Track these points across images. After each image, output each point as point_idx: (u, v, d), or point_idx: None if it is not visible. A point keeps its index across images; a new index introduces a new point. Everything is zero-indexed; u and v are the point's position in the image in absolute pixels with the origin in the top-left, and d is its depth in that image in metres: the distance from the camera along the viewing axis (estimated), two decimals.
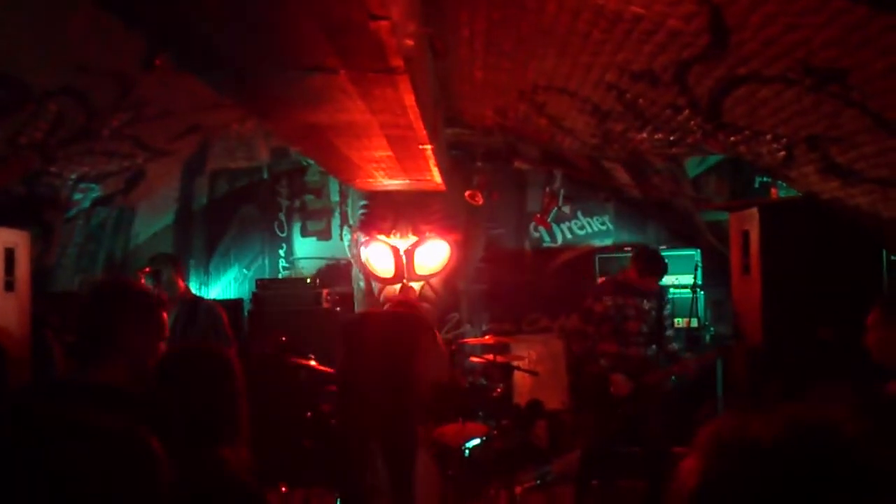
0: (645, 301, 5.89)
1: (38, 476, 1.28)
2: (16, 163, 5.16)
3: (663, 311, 5.98)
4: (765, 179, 6.21)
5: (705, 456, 0.99)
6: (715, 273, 7.39)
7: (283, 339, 7.11)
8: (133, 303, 2.58)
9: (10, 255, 5.20)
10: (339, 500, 5.68)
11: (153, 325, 2.58)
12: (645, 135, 5.63)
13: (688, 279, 7.18)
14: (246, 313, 7.98)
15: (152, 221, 8.50)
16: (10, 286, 5.18)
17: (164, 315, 2.71)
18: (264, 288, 7.88)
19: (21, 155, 5.09)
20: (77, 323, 2.61)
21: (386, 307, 5.83)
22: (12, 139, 4.81)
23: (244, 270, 9.01)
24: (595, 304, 5.93)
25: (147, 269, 5.50)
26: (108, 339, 2.48)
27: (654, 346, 5.95)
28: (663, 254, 7.45)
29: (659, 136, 5.55)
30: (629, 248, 7.77)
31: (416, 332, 5.45)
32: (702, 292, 7.28)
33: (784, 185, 5.69)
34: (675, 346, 6.05)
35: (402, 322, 5.57)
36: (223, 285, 9.01)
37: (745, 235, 5.56)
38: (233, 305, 7.67)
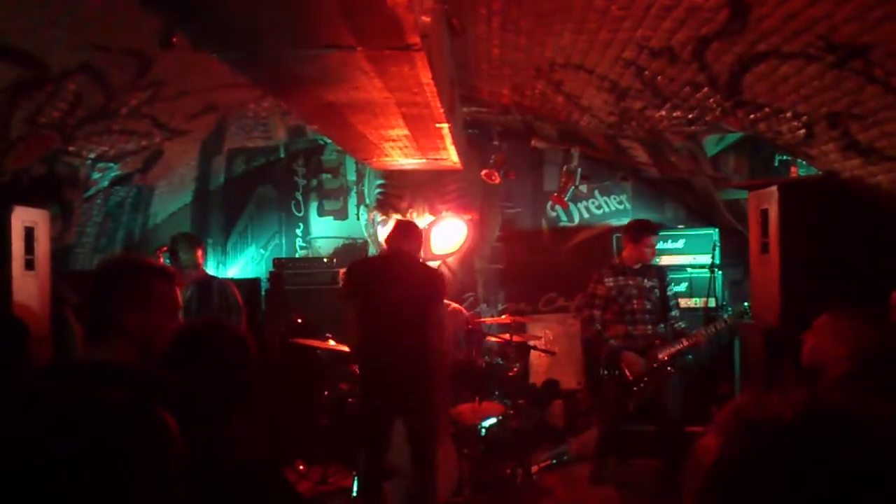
0: (645, 280, 6.02)
1: (47, 449, 1.29)
2: (35, 142, 5.18)
3: (666, 291, 6.06)
4: (784, 158, 6.14)
5: (724, 433, 0.99)
6: (733, 252, 7.36)
7: (300, 320, 7.14)
8: (131, 280, 2.51)
9: (29, 234, 5.23)
10: (356, 477, 5.71)
11: (153, 301, 2.50)
12: (663, 112, 5.59)
13: (706, 259, 7.15)
14: (263, 292, 8.01)
15: (170, 201, 8.53)
16: (30, 265, 5.22)
17: (175, 291, 2.63)
18: (281, 267, 7.90)
19: (40, 134, 5.11)
20: (88, 301, 2.58)
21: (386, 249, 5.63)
22: (32, 119, 4.83)
23: (261, 250, 9.04)
24: (598, 287, 6.06)
25: (165, 248, 5.54)
26: (108, 317, 2.45)
27: (661, 325, 6.00)
28: (681, 233, 7.49)
29: (677, 113, 5.51)
30: None
31: (430, 285, 5.34)
32: (720, 272, 7.24)
33: (804, 163, 5.64)
34: (681, 324, 6.09)
35: (413, 273, 5.34)
36: (241, 265, 9.05)
37: (764, 214, 5.51)
38: (250, 285, 7.71)
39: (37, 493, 1.33)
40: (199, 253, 5.66)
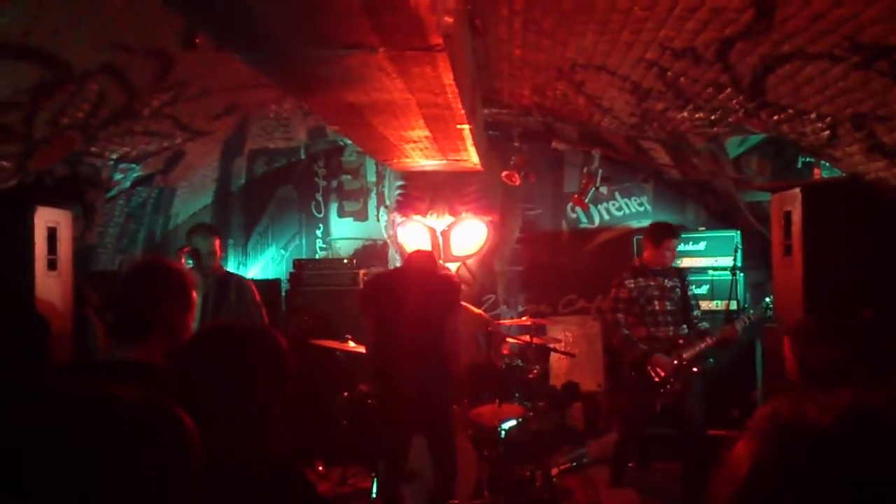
0: (666, 280, 5.98)
1: (66, 449, 1.29)
2: (58, 143, 5.21)
3: (687, 291, 6.03)
4: (808, 159, 6.09)
5: (759, 441, 0.97)
6: (755, 255, 7.30)
7: (313, 322, 7.15)
8: (169, 280, 2.61)
9: (52, 234, 5.26)
10: (375, 478, 5.71)
11: (187, 301, 2.61)
12: (685, 114, 5.56)
13: (727, 261, 7.10)
14: (283, 293, 8.03)
15: (191, 201, 8.57)
16: (52, 265, 5.25)
17: (193, 293, 2.73)
18: (301, 268, 7.92)
19: (63, 135, 5.14)
20: (115, 301, 2.64)
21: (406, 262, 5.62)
22: (55, 120, 4.86)
23: (281, 250, 9.07)
24: (620, 291, 6.03)
25: (186, 249, 5.55)
26: (146, 316, 2.51)
27: (684, 327, 5.96)
28: (703, 235, 7.44)
29: (700, 115, 5.48)
30: None
31: (446, 296, 5.29)
32: (741, 274, 7.20)
33: (828, 165, 5.59)
34: (705, 324, 6.05)
35: (429, 285, 5.32)
36: (261, 265, 9.08)
37: (787, 216, 5.46)
38: (270, 285, 7.73)
39: (54, 490, 1.33)
40: (217, 242, 5.63)
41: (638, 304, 5.95)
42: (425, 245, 5.60)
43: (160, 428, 1.45)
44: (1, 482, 1.19)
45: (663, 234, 6.04)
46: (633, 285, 5.98)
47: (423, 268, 5.36)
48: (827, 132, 4.77)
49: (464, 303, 5.91)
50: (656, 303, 5.93)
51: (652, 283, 5.97)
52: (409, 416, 5.13)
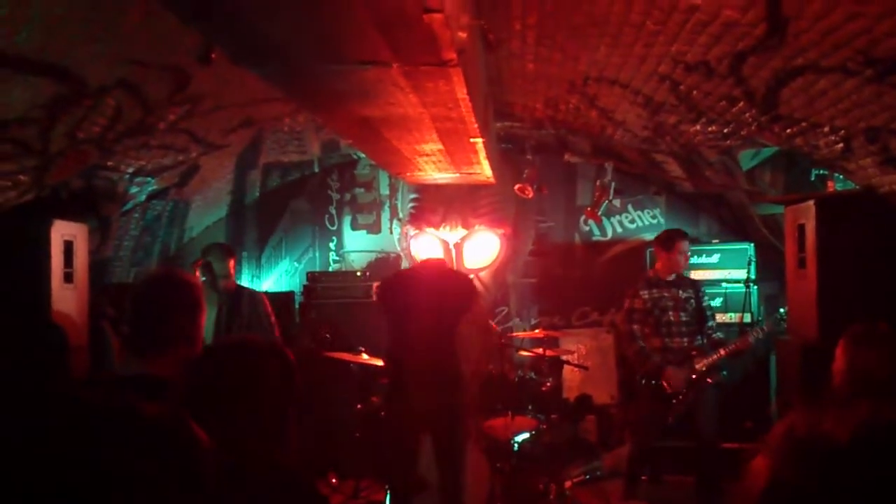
0: (680, 291, 5.94)
1: (86, 461, 1.30)
2: (74, 157, 5.26)
3: (702, 302, 5.99)
4: (821, 172, 6.08)
5: (777, 455, 0.97)
6: (769, 267, 7.29)
7: (327, 335, 7.16)
8: (184, 293, 2.63)
9: (68, 247, 5.30)
10: (388, 491, 5.71)
11: (201, 315, 2.63)
12: (698, 127, 5.56)
13: (741, 273, 7.09)
14: (297, 306, 8.06)
15: (206, 214, 8.61)
16: (68, 278, 5.29)
17: (205, 306, 2.76)
18: (315, 280, 7.94)
19: (79, 149, 5.18)
20: (130, 314, 2.65)
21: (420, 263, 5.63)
22: (71, 133, 4.90)
23: (295, 263, 9.10)
24: (634, 302, 6.00)
25: (200, 262, 5.58)
26: (162, 330, 2.53)
27: (699, 337, 5.93)
28: (716, 247, 7.43)
29: (713, 128, 5.48)
30: None
31: (462, 296, 5.33)
32: (755, 287, 7.18)
33: (841, 177, 5.58)
34: (719, 334, 6.02)
35: (445, 283, 5.35)
36: (275, 278, 9.11)
37: (801, 229, 5.45)
38: (284, 298, 7.75)
39: (69, 495, 1.35)
40: (232, 263, 5.68)
41: (652, 315, 5.92)
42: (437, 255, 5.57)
43: (176, 444, 1.47)
44: (27, 487, 1.21)
45: (673, 239, 6.00)
46: (647, 296, 5.95)
47: (440, 267, 5.38)
48: (840, 145, 4.76)
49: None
50: (671, 314, 5.90)
51: (666, 294, 5.94)
52: (419, 413, 5.13)
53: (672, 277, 5.99)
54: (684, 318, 5.92)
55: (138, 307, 2.64)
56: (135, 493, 1.35)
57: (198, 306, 2.65)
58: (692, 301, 5.97)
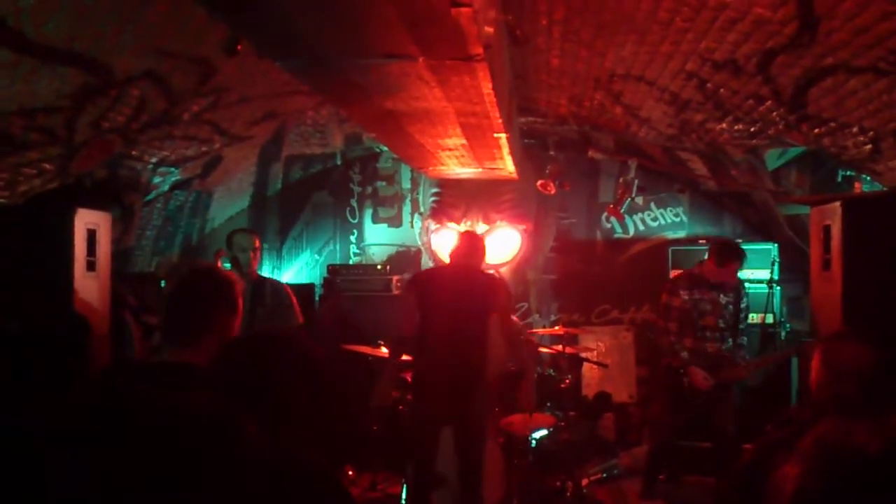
0: (722, 295, 5.79)
1: (137, 453, 1.31)
2: (99, 146, 5.29)
3: (740, 306, 5.87)
4: (848, 173, 6.01)
5: (806, 463, 0.96)
6: (792, 268, 7.22)
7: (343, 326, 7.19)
8: (224, 287, 2.72)
9: (91, 236, 5.32)
10: (405, 484, 5.71)
11: (237, 309, 2.71)
12: (724, 125, 5.51)
13: (764, 274, 7.03)
14: (317, 298, 8.08)
15: (228, 205, 8.65)
16: (91, 266, 5.31)
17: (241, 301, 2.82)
18: (335, 273, 7.96)
19: (104, 139, 5.21)
20: (170, 305, 2.72)
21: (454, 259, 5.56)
22: (96, 123, 4.93)
23: (316, 256, 9.12)
24: (672, 300, 5.86)
25: (223, 252, 5.59)
26: (201, 321, 2.59)
27: (730, 341, 5.83)
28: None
29: (739, 126, 5.43)
30: (704, 241, 7.64)
31: (491, 299, 5.27)
32: (778, 288, 7.12)
33: (869, 179, 5.52)
34: (744, 339, 5.94)
35: (474, 283, 5.32)
36: (295, 269, 9.14)
37: (827, 230, 5.39)
38: (304, 290, 7.77)
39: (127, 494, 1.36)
40: (258, 243, 5.62)
41: (690, 316, 5.78)
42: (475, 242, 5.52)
43: (229, 437, 1.48)
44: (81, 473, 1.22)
45: (728, 258, 5.70)
46: (686, 297, 5.79)
47: (472, 269, 5.36)
48: (869, 146, 4.71)
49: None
50: (709, 317, 5.77)
51: (706, 296, 5.76)
52: (441, 407, 5.12)
53: (716, 280, 5.84)
54: (721, 325, 5.76)
55: (178, 297, 2.72)
56: (187, 481, 1.36)
57: (235, 301, 2.73)
58: (731, 307, 5.81)
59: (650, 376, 7.53)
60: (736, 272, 5.78)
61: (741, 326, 5.91)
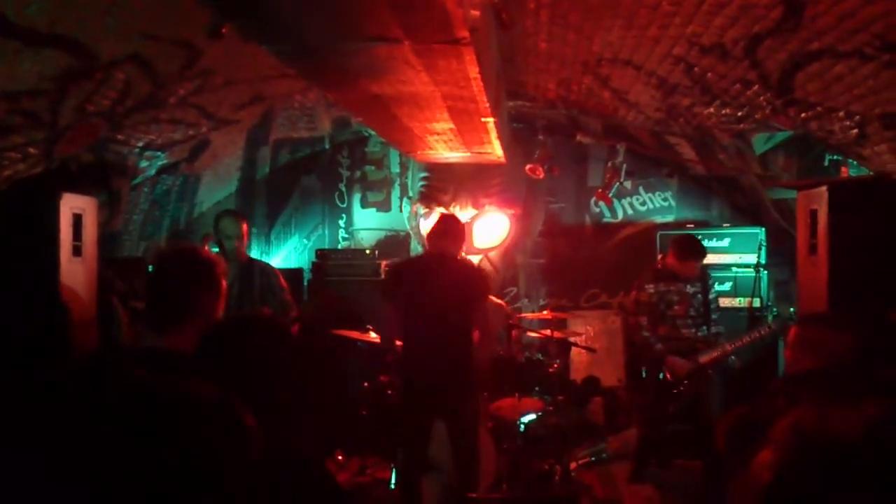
0: (688, 286, 5.94)
1: (132, 438, 1.31)
2: (84, 130, 5.25)
3: (709, 294, 5.98)
4: (835, 158, 6.02)
5: (783, 450, 0.96)
6: (780, 252, 7.24)
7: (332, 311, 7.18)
8: (206, 269, 2.64)
9: (77, 220, 5.29)
10: (394, 469, 5.72)
11: (220, 291, 2.65)
12: (712, 110, 5.51)
13: (751, 258, 7.06)
14: (306, 283, 8.06)
15: (216, 189, 8.61)
16: (77, 251, 5.28)
17: (224, 282, 2.76)
18: (324, 258, 7.94)
19: (89, 122, 5.17)
20: (149, 289, 2.66)
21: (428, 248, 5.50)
22: (81, 107, 4.89)
23: (304, 240, 9.10)
24: (640, 295, 6.02)
25: (210, 237, 5.56)
26: (183, 305, 2.54)
27: (704, 328, 5.94)
28: (727, 231, 7.38)
29: (727, 111, 5.43)
30: (692, 225, 7.67)
31: (472, 285, 5.24)
32: (765, 271, 7.14)
33: (855, 163, 5.53)
34: (720, 328, 6.01)
35: (455, 273, 5.24)
36: (284, 254, 9.12)
37: (813, 214, 5.40)
38: (293, 275, 7.75)
39: (124, 481, 1.35)
40: (245, 228, 5.57)
41: (658, 308, 5.93)
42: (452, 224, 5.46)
43: (229, 424, 1.47)
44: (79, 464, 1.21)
45: (689, 254, 5.91)
46: (653, 290, 5.95)
47: (450, 256, 5.31)
48: (855, 130, 4.72)
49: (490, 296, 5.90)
50: (676, 307, 5.91)
51: (672, 287, 5.93)
52: (429, 403, 5.12)
53: (679, 273, 5.95)
54: (691, 313, 5.93)
55: (158, 281, 2.66)
56: (183, 471, 1.35)
57: (218, 283, 2.65)
58: (699, 295, 5.97)
59: (633, 363, 7.56)
60: (696, 268, 5.93)
61: (714, 316, 6.00)
